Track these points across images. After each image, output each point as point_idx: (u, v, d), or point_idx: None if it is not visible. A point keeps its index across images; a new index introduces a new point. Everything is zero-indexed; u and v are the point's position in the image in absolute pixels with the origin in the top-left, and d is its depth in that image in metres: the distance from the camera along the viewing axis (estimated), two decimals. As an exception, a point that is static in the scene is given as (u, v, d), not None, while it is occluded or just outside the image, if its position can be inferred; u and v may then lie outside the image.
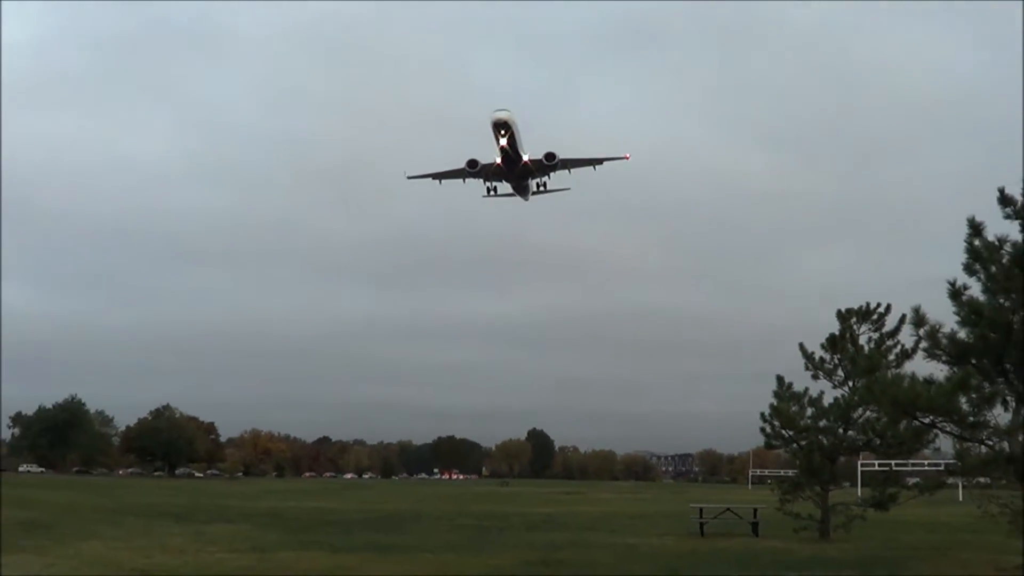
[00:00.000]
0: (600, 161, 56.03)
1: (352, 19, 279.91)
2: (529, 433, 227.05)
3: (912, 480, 33.02)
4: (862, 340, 30.14)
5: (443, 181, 57.32)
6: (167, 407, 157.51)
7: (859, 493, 35.98)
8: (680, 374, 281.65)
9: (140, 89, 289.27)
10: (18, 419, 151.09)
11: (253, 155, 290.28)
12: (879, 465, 48.41)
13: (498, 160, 54.71)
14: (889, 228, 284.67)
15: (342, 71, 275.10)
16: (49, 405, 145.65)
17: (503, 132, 52.42)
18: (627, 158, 55.91)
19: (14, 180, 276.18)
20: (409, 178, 57.60)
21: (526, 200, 60.17)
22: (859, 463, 62.91)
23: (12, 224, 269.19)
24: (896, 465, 42.82)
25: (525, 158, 54.66)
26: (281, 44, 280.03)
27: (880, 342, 29.63)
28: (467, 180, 57.24)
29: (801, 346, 30.98)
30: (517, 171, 55.62)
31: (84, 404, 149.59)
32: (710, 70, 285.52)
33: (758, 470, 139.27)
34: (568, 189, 59.63)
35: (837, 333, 30.38)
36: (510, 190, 58.84)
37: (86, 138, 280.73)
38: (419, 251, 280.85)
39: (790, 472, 38.15)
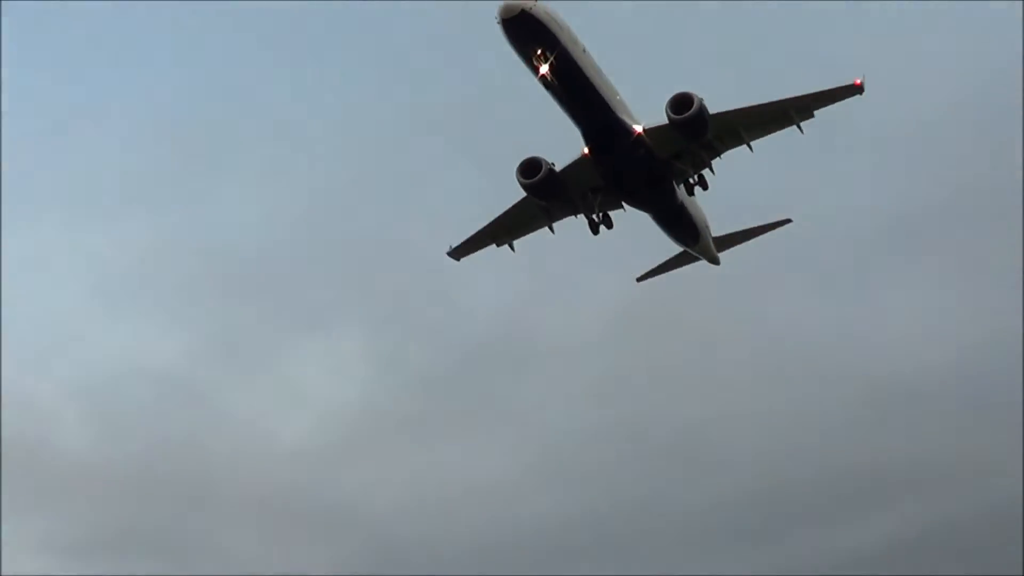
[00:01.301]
0: (807, 107, 32.41)
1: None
2: None
3: None
4: None
5: (513, 245, 36.20)
6: None
7: None
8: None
9: (474, 415, 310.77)
10: None
11: (584, 451, 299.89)
12: None
13: (585, 149, 29.53)
14: None
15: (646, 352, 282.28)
16: None
17: (538, 51, 26.70)
18: (858, 84, 34.42)
19: (374, 520, 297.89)
20: (452, 255, 38.00)
21: (715, 262, 36.16)
22: None
23: (378, 564, 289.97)
24: None
25: (638, 128, 29.62)
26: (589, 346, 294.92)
27: None
28: (553, 225, 34.57)
29: None
30: (626, 162, 29.28)
31: None
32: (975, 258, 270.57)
33: None
34: (789, 221, 40.27)
35: None
36: (675, 248, 34.31)
37: (435, 469, 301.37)
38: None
39: None
